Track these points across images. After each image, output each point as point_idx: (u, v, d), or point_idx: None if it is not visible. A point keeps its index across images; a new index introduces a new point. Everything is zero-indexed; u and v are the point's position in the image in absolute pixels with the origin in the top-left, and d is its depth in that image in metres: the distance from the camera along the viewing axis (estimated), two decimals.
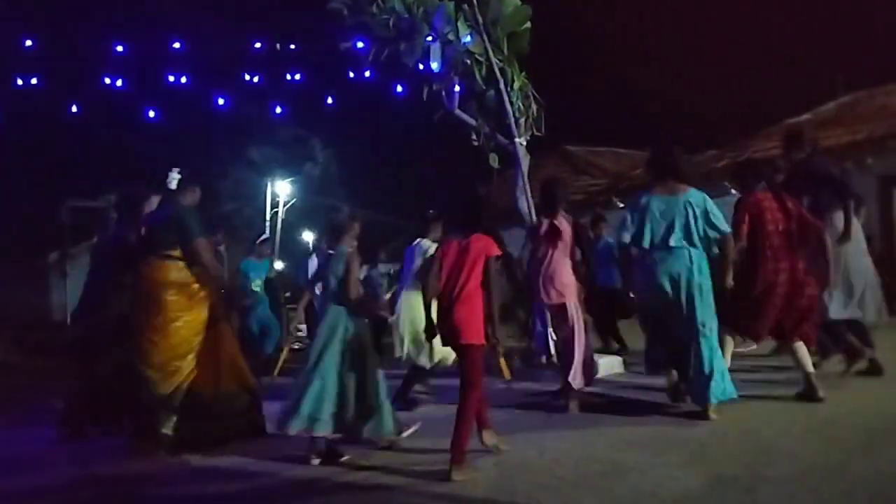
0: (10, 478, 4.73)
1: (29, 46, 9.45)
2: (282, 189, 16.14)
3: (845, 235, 5.89)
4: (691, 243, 5.09)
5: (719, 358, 5.09)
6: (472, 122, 8.21)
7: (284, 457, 4.70)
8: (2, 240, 16.20)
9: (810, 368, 5.34)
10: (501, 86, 7.79)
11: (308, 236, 20.18)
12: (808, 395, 5.26)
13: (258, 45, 9.83)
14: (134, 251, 5.53)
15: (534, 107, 8.16)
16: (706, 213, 5.11)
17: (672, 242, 5.07)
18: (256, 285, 9.07)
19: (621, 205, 15.13)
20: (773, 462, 3.88)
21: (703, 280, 5.08)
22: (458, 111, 8.23)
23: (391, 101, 9.44)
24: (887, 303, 6.58)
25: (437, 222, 6.41)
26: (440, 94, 8.13)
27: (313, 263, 9.05)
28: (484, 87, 8.02)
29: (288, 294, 9.48)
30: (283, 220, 15.60)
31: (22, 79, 9.47)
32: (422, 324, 4.58)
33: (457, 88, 8.17)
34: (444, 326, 4.24)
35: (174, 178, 5.56)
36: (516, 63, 8.05)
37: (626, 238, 5.23)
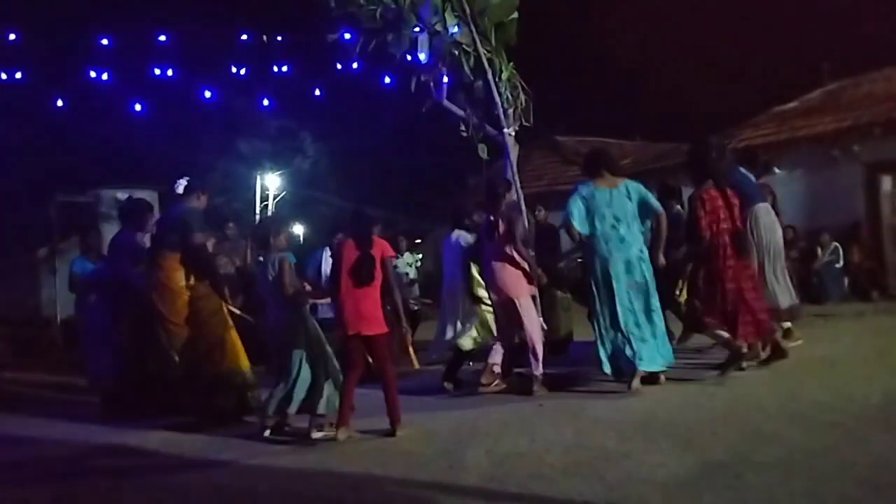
0: (6, 470, 4.75)
1: (12, 40, 9.37)
2: (271, 182, 16.13)
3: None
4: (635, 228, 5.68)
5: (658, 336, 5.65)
6: (461, 112, 8.21)
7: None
8: None
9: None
10: (489, 76, 7.79)
11: (299, 230, 20.11)
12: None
13: (245, 37, 9.79)
14: (146, 249, 6.23)
15: (522, 97, 8.16)
16: (644, 198, 5.71)
17: (620, 230, 5.60)
18: None
19: None
20: (762, 447, 3.92)
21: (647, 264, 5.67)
22: (446, 102, 8.23)
23: (380, 93, 9.43)
24: (873, 288, 6.73)
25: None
26: (428, 85, 8.12)
27: (327, 258, 9.03)
28: (472, 78, 8.01)
29: None
30: (272, 214, 15.57)
31: (5, 72, 9.38)
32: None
33: (445, 79, 8.16)
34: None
35: (181, 185, 6.20)
36: (504, 53, 8.05)
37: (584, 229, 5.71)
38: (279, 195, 16.64)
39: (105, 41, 9.53)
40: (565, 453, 4.11)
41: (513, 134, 8.01)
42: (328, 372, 5.14)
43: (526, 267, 6.12)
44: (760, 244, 6.10)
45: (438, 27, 7.78)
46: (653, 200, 5.78)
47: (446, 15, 7.74)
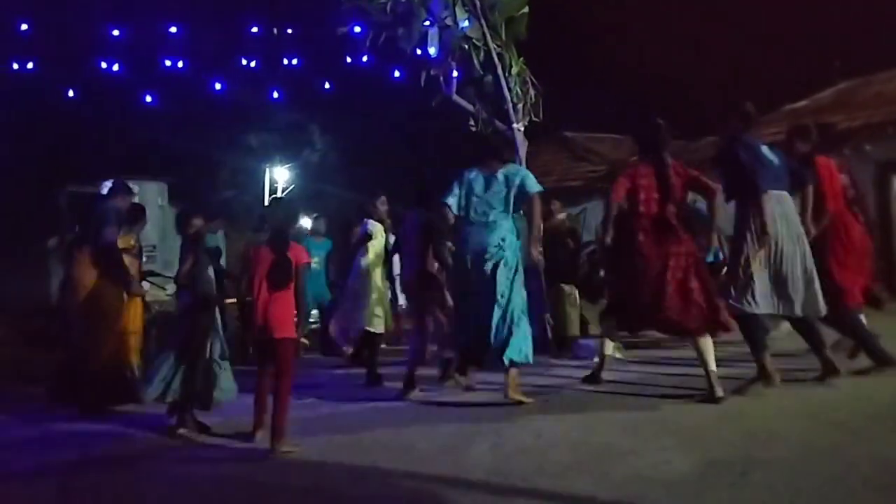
0: (9, 461, 4.76)
1: (24, 31, 9.41)
2: (280, 175, 16.18)
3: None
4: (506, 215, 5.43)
5: (520, 329, 5.27)
6: (470, 107, 8.22)
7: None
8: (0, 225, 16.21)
9: (712, 367, 5.03)
10: (499, 71, 7.80)
11: (306, 222, 20.12)
12: (708, 396, 4.94)
13: (255, 29, 9.81)
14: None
15: (532, 92, 8.17)
16: (520, 181, 5.45)
17: (490, 216, 5.42)
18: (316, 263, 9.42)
19: None
20: (767, 446, 3.92)
21: (510, 254, 5.35)
22: (455, 96, 8.24)
23: (389, 87, 9.44)
24: (886, 289, 6.26)
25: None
26: (438, 80, 8.13)
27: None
28: (482, 73, 8.03)
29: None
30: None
31: (17, 63, 9.44)
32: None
33: (454, 74, 8.17)
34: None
35: (106, 186, 6.77)
36: (514, 48, 8.05)
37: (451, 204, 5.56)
38: (288, 188, 16.66)
39: (116, 32, 9.57)
40: (570, 449, 4.11)
41: (522, 129, 8.01)
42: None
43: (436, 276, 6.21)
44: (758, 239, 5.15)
45: (449, 21, 7.80)
46: (529, 182, 5.44)
47: (457, 9, 7.75)
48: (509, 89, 7.91)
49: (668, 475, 3.55)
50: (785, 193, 5.33)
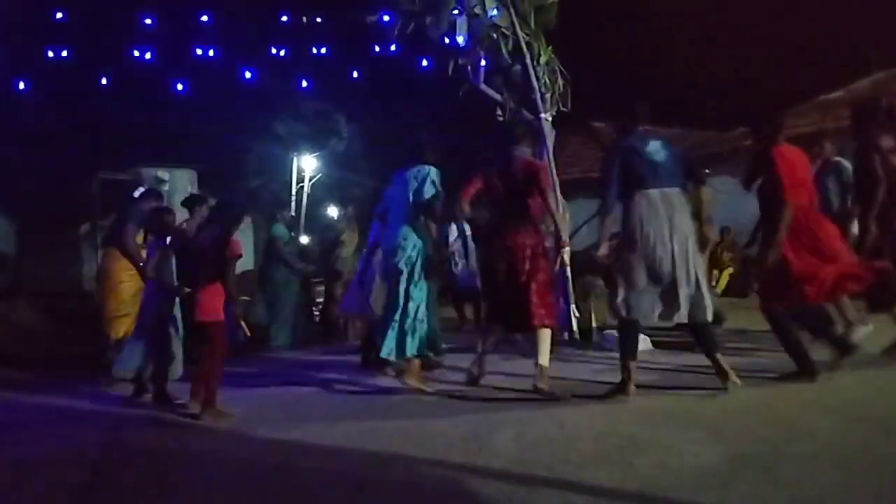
0: (37, 444, 4.85)
1: (59, 18, 9.56)
2: (307, 164, 16.24)
3: None
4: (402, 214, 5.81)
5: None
6: (498, 96, 8.18)
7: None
8: (34, 211, 16.48)
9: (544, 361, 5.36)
10: (528, 60, 7.76)
11: (332, 211, 20.21)
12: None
13: (284, 17, 9.86)
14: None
15: (560, 82, 8.11)
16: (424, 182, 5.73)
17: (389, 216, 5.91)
18: None
19: None
20: (795, 440, 3.88)
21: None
22: (483, 86, 8.21)
23: (417, 76, 9.44)
24: None
25: None
26: (466, 69, 8.11)
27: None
28: (510, 62, 7.99)
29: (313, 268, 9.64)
30: (308, 195, 15.70)
31: (52, 51, 9.59)
32: None
33: (482, 63, 8.14)
34: None
35: (139, 190, 7.71)
36: (543, 37, 8.00)
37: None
38: (315, 177, 16.73)
39: (148, 21, 9.68)
40: (594, 440, 4.10)
41: (549, 119, 7.96)
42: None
43: None
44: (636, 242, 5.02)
45: (477, 10, 7.76)
46: (427, 186, 5.76)
47: None
48: (537, 78, 7.86)
49: (693, 468, 3.54)
50: (672, 190, 5.07)
